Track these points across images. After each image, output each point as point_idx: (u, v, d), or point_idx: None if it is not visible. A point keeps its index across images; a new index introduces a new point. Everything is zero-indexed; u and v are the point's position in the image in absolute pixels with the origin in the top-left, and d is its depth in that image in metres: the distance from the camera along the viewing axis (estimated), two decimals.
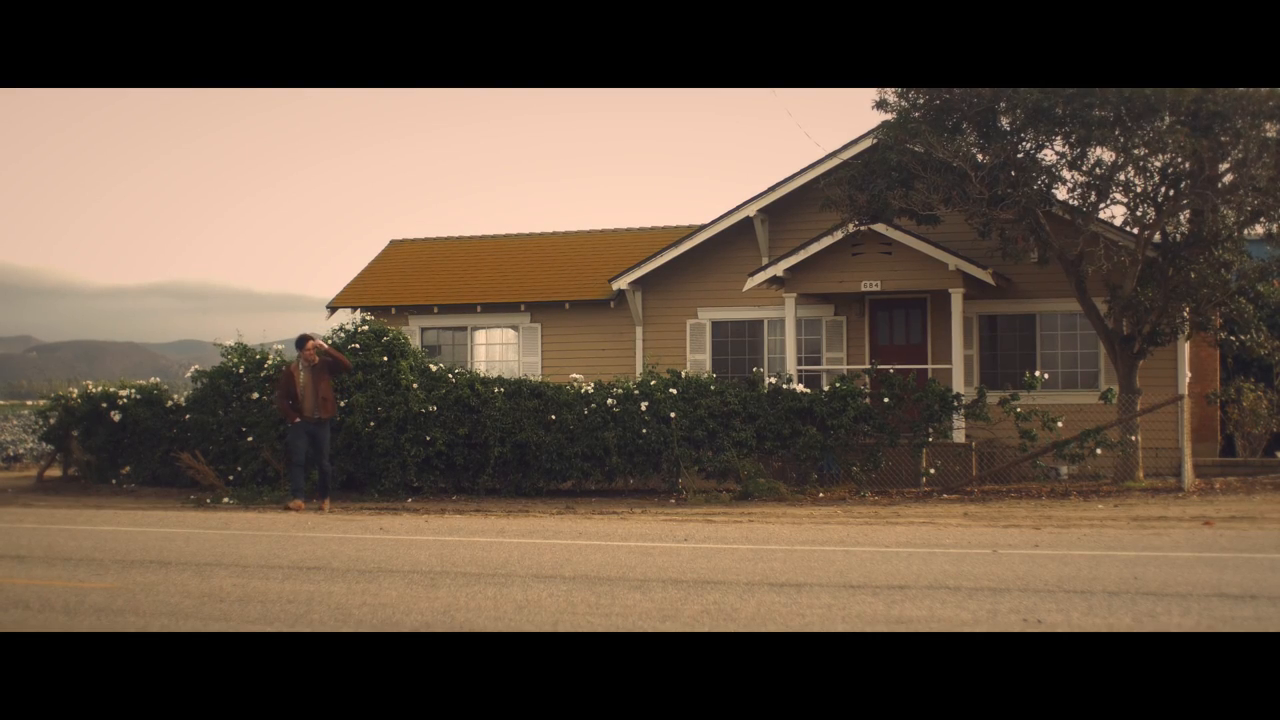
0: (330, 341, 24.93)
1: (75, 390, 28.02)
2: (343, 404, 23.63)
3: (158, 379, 28.44)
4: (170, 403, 26.32)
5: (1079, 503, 19.62)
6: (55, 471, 28.22)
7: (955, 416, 24.52)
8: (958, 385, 25.71)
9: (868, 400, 23.97)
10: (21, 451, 39.30)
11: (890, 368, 25.43)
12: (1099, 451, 23.03)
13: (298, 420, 21.22)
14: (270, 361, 25.40)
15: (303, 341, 21.99)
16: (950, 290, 26.66)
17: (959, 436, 24.99)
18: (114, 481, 25.89)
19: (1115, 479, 23.18)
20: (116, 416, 26.29)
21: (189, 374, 27.21)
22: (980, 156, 23.32)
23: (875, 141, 25.33)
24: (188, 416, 25.65)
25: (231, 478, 24.36)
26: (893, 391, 23.91)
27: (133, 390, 26.99)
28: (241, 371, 25.36)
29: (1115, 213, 24.46)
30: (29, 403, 39.61)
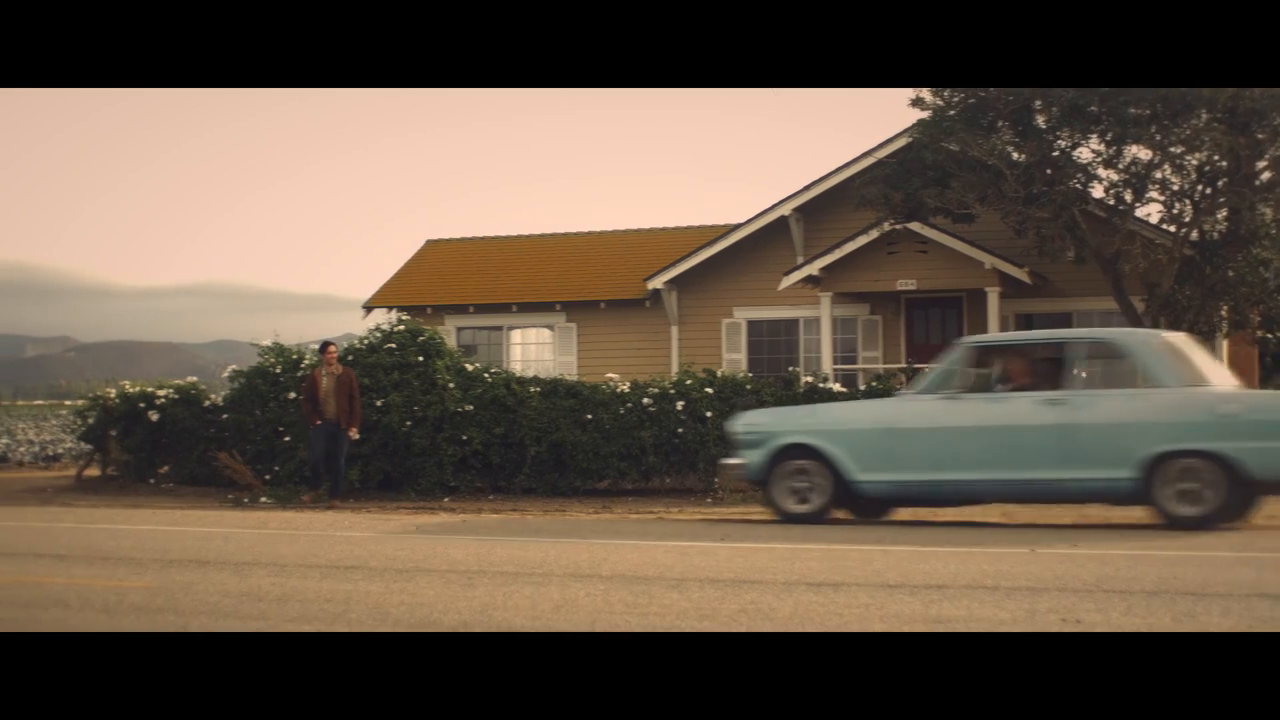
0: (366, 342, 24.99)
1: (113, 390, 28.12)
2: (379, 403, 23.67)
3: (195, 379, 28.52)
4: (207, 402, 26.40)
5: None
6: (94, 471, 28.33)
7: None
8: None
9: None
10: (60, 451, 39.52)
11: (926, 366, 25.35)
12: None
13: (319, 423, 21.46)
14: (307, 361, 25.46)
15: (324, 347, 22.40)
16: (986, 289, 26.61)
17: None
18: (152, 481, 25.99)
19: None
20: (154, 416, 26.38)
21: (226, 374, 27.29)
22: (1016, 155, 23.27)
23: (911, 140, 25.30)
24: (225, 416, 25.74)
25: (269, 477, 24.43)
26: None
27: (170, 390, 27.08)
28: (278, 371, 25.43)
29: (1152, 211, 24.36)
30: (67, 403, 39.82)
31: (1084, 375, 16.50)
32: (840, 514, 17.28)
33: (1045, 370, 16.82)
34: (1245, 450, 14.93)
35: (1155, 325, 23.85)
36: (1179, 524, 14.92)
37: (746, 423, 18.06)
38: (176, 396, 26.81)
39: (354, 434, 21.90)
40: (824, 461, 16.91)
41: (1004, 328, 27.75)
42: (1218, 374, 16.57)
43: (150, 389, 27.42)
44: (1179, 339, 16.84)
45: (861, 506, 17.49)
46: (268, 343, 26.45)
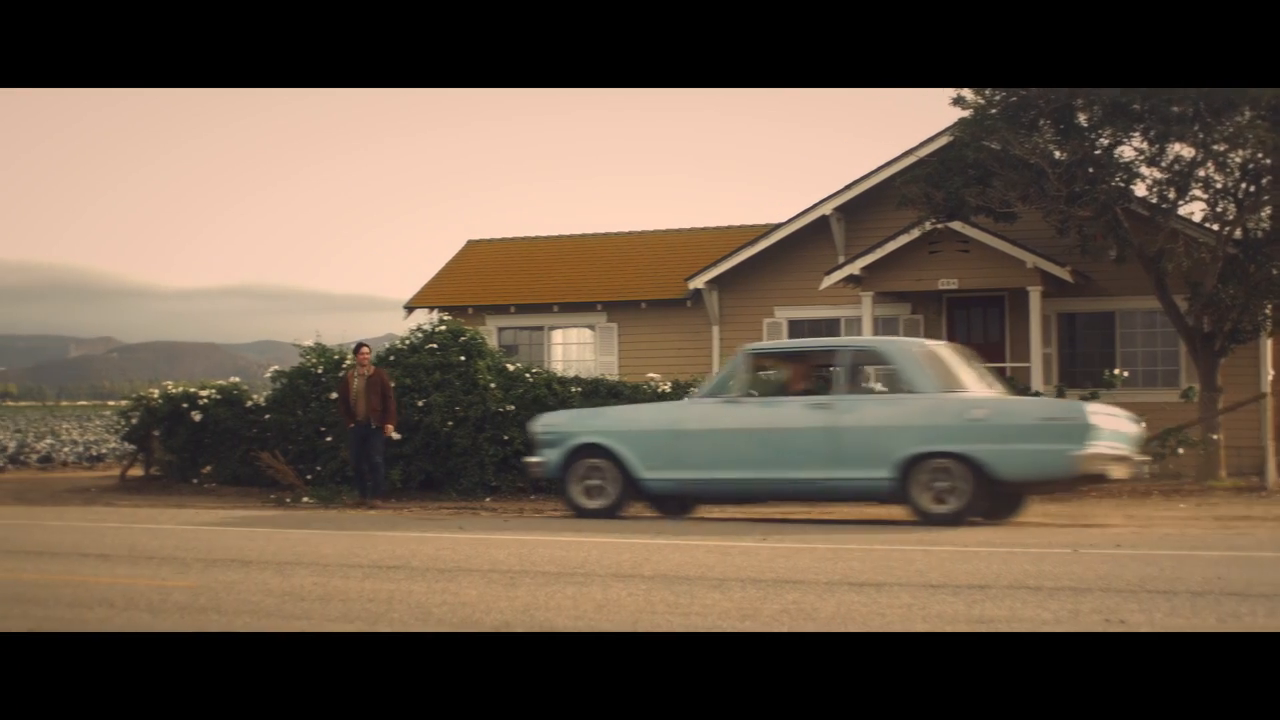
0: (408, 342, 25.06)
1: (156, 390, 28.26)
2: (421, 404, 23.72)
3: (237, 379, 28.64)
4: (250, 403, 26.50)
5: (1160, 502, 19.48)
6: (137, 471, 28.48)
7: None
8: (1036, 383, 25.58)
9: None
10: (104, 451, 39.71)
11: None
12: (1180, 450, 22.84)
13: (352, 424, 21.64)
14: (348, 361, 25.54)
15: (356, 349, 22.64)
16: (1028, 288, 26.53)
17: None
18: (195, 481, 26.11)
19: (1197, 478, 23.00)
20: (197, 416, 26.49)
21: (268, 374, 27.40)
22: (1058, 153, 23.20)
23: (952, 139, 25.25)
24: (267, 416, 25.83)
25: (310, 477, 24.51)
26: None
27: (213, 390, 27.19)
28: (320, 372, 25.52)
29: (1195, 209, 24.26)
30: (110, 403, 40.03)
31: (849, 381, 17.54)
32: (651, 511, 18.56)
33: (819, 376, 18.32)
34: (990, 451, 16.08)
35: (1199, 324, 23.74)
36: (932, 520, 16.03)
37: (544, 423, 19.23)
38: (219, 397, 26.91)
39: (390, 433, 21.97)
40: (614, 460, 18.01)
41: (1046, 327, 27.67)
42: (976, 381, 17.48)
43: (193, 389, 27.54)
44: (941, 347, 18.06)
45: (663, 503, 18.58)
46: (309, 343, 26.54)
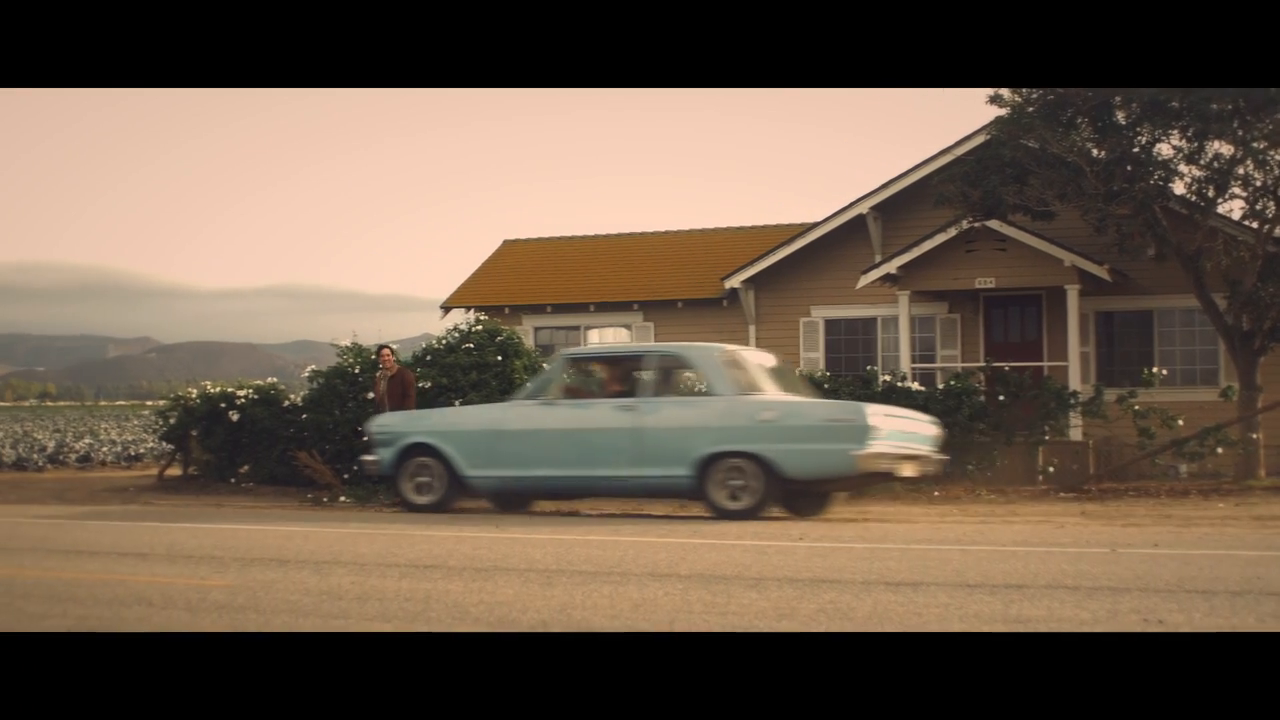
0: (444, 342, 25.12)
1: (194, 390, 28.36)
2: (457, 403, 23.78)
3: (274, 379, 28.75)
4: (287, 402, 26.58)
5: (1199, 501, 19.40)
6: (175, 470, 28.59)
7: (1072, 414, 24.31)
8: (1074, 383, 25.48)
9: (983, 398, 23.79)
10: (142, 451, 39.90)
11: (1005, 365, 25.24)
12: (1219, 450, 22.75)
13: None
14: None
15: (378, 351, 23.08)
16: (1066, 287, 26.45)
17: (1076, 434, 24.77)
18: (232, 480, 26.20)
19: (1236, 477, 22.90)
20: (234, 416, 26.58)
21: (305, 374, 27.47)
22: (1095, 151, 23.12)
23: (989, 137, 25.19)
24: (304, 416, 25.91)
25: (348, 477, 24.56)
26: (1008, 389, 23.72)
27: (250, 390, 27.27)
28: (357, 371, 25.58)
29: (1234, 207, 24.16)
30: (149, 403, 40.23)
31: (655, 385, 18.51)
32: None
33: (632, 379, 19.00)
34: (778, 451, 17.11)
35: (1238, 323, 23.64)
36: (726, 515, 17.10)
37: (379, 424, 20.43)
38: (256, 397, 26.99)
39: None
40: (441, 459, 19.22)
41: (1084, 326, 27.57)
42: (774, 385, 18.38)
43: (230, 389, 27.62)
44: (744, 353, 19.19)
45: (504, 499, 19.88)
46: (346, 343, 26.61)
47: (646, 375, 18.57)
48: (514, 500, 19.87)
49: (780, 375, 19.07)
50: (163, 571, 10.69)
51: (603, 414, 18.48)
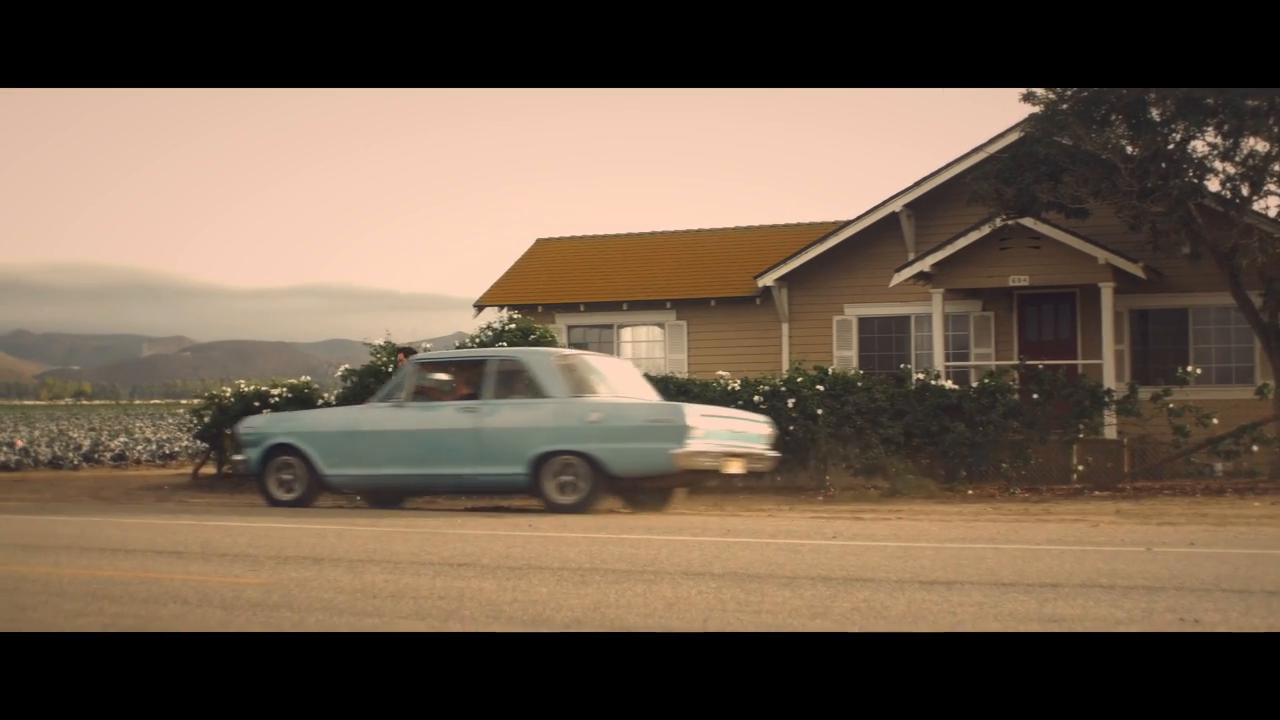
0: (477, 340, 25.19)
1: (228, 389, 28.46)
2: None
3: (308, 378, 28.85)
4: (321, 401, 26.63)
5: (1235, 500, 19.32)
6: (210, 469, 28.71)
7: (1106, 412, 24.23)
8: (1108, 381, 25.40)
9: (1017, 396, 23.74)
10: (177, 449, 40.08)
11: (1039, 363, 25.18)
12: (1255, 448, 22.66)
13: None
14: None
15: (404, 352, 23.62)
16: (1100, 284, 26.37)
17: (1110, 433, 24.69)
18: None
19: (1272, 476, 22.81)
20: (268, 415, 26.64)
21: (339, 373, 27.57)
22: (1130, 148, 23.04)
23: (1022, 134, 25.13)
24: None
25: None
26: (1042, 387, 23.67)
27: (284, 389, 27.35)
28: (390, 370, 25.62)
29: (1270, 204, 24.08)
30: (184, 402, 40.42)
31: (495, 388, 19.67)
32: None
33: (478, 382, 19.96)
34: (604, 450, 18.29)
35: (1274, 320, 23.54)
36: (559, 510, 18.28)
37: (246, 426, 21.61)
38: (290, 395, 27.07)
39: None
40: (303, 458, 20.31)
41: (1118, 324, 27.49)
42: (605, 387, 19.60)
43: (264, 388, 27.71)
44: (577, 357, 20.34)
45: (376, 496, 21.09)
46: (380, 342, 26.68)
47: (489, 379, 19.73)
48: (384, 497, 21.04)
49: (618, 378, 20.41)
50: (198, 569, 10.72)
51: (446, 416, 19.71)
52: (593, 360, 20.62)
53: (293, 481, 20.40)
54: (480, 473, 19.30)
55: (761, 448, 19.96)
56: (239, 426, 21.95)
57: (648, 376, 22.70)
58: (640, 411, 18.90)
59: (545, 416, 18.98)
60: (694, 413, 18.56)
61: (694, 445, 18.04)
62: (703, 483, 20.39)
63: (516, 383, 19.98)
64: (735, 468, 18.92)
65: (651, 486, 19.34)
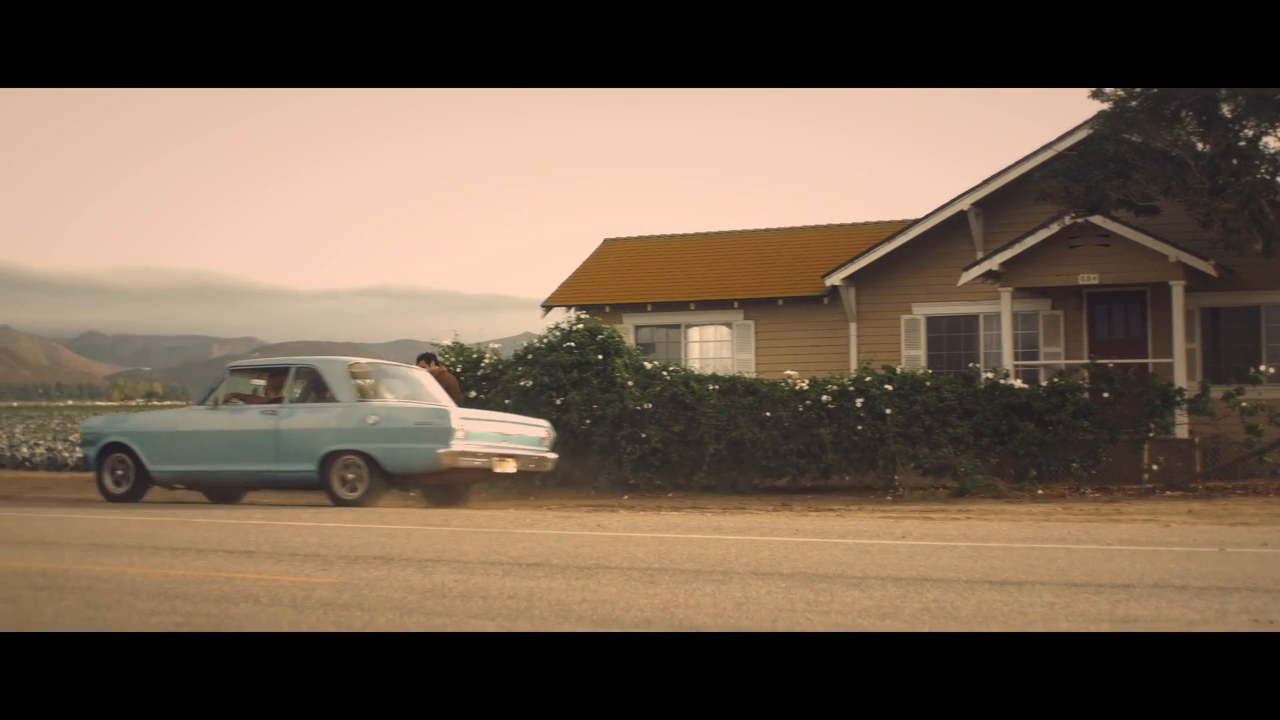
0: (546, 341, 25.26)
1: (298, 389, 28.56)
2: (558, 401, 23.89)
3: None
4: None
5: None
6: None
7: (1177, 411, 24.06)
8: (1179, 380, 25.20)
9: (1086, 395, 23.61)
10: None
11: (1109, 362, 25.03)
12: None
13: None
14: (487, 361, 25.74)
15: (424, 358, 24.55)
16: (1170, 282, 26.17)
17: (1181, 432, 24.52)
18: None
19: None
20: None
21: None
22: (1200, 145, 22.87)
23: (1091, 132, 24.98)
24: None
25: None
26: (1112, 386, 23.54)
27: None
28: (459, 370, 25.71)
29: None
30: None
31: (296, 393, 21.89)
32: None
33: (282, 387, 22.06)
34: (381, 449, 20.33)
35: None
36: (342, 503, 20.23)
37: (86, 426, 23.99)
38: None
39: None
40: (132, 456, 22.33)
41: (1189, 322, 27.29)
42: (390, 393, 21.71)
43: None
44: (365, 365, 22.09)
45: (211, 491, 23.14)
46: (448, 342, 26.76)
47: (291, 385, 21.98)
48: (219, 492, 23.09)
49: (409, 386, 22.44)
50: (269, 569, 10.78)
51: (251, 418, 21.72)
52: (389, 368, 23.17)
53: (123, 477, 22.45)
54: (279, 469, 21.29)
55: (536, 449, 21.96)
56: (82, 427, 24.64)
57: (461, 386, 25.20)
58: (411, 415, 20.79)
59: (332, 419, 20.99)
60: (458, 416, 20.48)
61: (458, 446, 20.00)
62: (476, 480, 21.85)
63: (313, 388, 21.97)
64: (507, 467, 20.85)
65: (430, 483, 21.39)
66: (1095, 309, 29.33)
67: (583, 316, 26.61)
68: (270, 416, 21.38)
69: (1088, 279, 26.90)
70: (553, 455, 22.27)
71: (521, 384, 24.44)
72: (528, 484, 23.61)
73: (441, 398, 22.43)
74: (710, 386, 24.29)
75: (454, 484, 21.68)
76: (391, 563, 11.20)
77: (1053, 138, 28.03)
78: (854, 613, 7.90)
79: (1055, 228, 26.21)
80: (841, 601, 8.38)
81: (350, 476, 20.48)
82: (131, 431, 22.73)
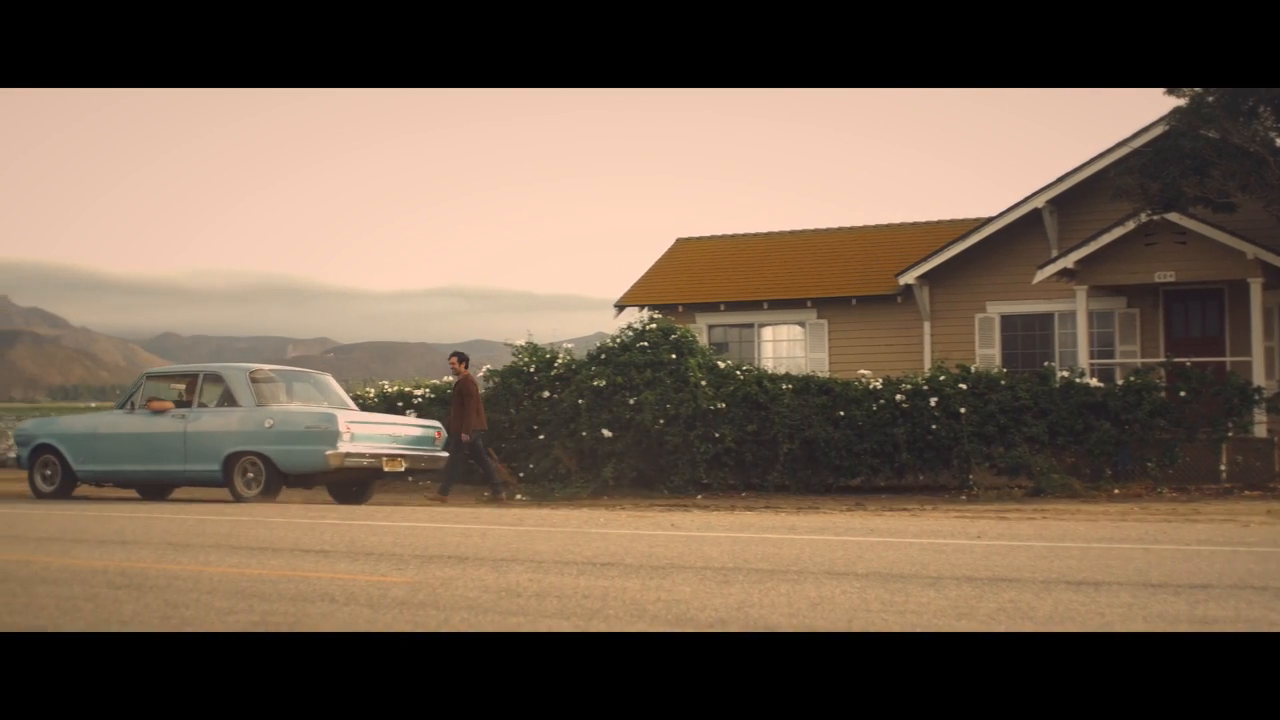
0: (619, 340, 25.28)
1: (371, 389, 28.76)
2: (632, 401, 23.91)
3: (450, 378, 29.05)
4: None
5: None
6: None
7: (1256, 410, 23.84)
8: (1258, 378, 24.96)
9: (1163, 394, 23.40)
10: None
11: (1186, 360, 24.80)
12: None
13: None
14: (561, 360, 25.78)
15: (456, 356, 24.86)
16: (1249, 280, 25.92)
17: (1260, 431, 24.29)
18: (410, 479, 26.54)
19: None
20: (412, 415, 26.91)
21: (481, 373, 27.75)
22: (1279, 141, 22.66)
23: (1167, 128, 24.78)
24: None
25: (523, 475, 24.77)
26: (1189, 385, 23.33)
27: (427, 389, 27.58)
28: (533, 370, 25.77)
29: None
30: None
31: (204, 397, 23.47)
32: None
33: (193, 392, 23.72)
34: (276, 451, 22.05)
35: None
36: (243, 500, 21.96)
37: (19, 428, 26.43)
38: (433, 395, 27.30)
39: (463, 437, 23.84)
40: (58, 456, 24.32)
41: (1268, 320, 27.03)
42: (292, 398, 23.48)
43: (408, 388, 27.97)
44: (267, 371, 23.95)
45: (145, 489, 25.06)
46: (521, 342, 26.82)
47: (200, 390, 23.57)
48: (147, 490, 25.01)
49: (311, 391, 24.19)
50: (344, 568, 10.84)
51: (163, 422, 23.30)
52: (295, 374, 24.77)
53: (51, 476, 24.43)
54: (186, 469, 23.07)
55: (427, 450, 23.52)
56: (16, 429, 27.29)
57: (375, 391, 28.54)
58: (303, 418, 22.28)
59: (234, 423, 22.61)
60: (344, 419, 22.06)
61: (345, 447, 21.64)
62: (369, 479, 23.40)
63: (221, 393, 23.40)
64: (396, 467, 22.56)
65: (323, 481, 23.02)
66: (1172, 307, 29.11)
67: (656, 316, 26.61)
68: (180, 420, 23.12)
69: (1164, 277, 26.70)
70: (444, 454, 23.87)
71: (595, 384, 24.46)
72: (598, 486, 23.69)
73: (343, 404, 24.12)
74: (784, 386, 24.24)
75: (347, 481, 23.25)
76: (466, 562, 11.24)
77: (1128, 134, 27.85)
78: (929, 613, 7.88)
79: (1131, 225, 26.03)
80: (917, 601, 8.36)
81: (250, 475, 22.26)
82: (57, 434, 24.64)
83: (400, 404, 27.43)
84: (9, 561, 11.48)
